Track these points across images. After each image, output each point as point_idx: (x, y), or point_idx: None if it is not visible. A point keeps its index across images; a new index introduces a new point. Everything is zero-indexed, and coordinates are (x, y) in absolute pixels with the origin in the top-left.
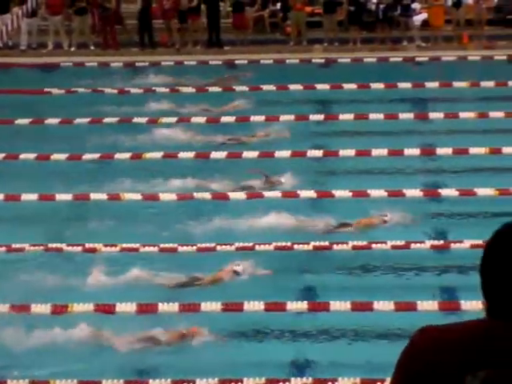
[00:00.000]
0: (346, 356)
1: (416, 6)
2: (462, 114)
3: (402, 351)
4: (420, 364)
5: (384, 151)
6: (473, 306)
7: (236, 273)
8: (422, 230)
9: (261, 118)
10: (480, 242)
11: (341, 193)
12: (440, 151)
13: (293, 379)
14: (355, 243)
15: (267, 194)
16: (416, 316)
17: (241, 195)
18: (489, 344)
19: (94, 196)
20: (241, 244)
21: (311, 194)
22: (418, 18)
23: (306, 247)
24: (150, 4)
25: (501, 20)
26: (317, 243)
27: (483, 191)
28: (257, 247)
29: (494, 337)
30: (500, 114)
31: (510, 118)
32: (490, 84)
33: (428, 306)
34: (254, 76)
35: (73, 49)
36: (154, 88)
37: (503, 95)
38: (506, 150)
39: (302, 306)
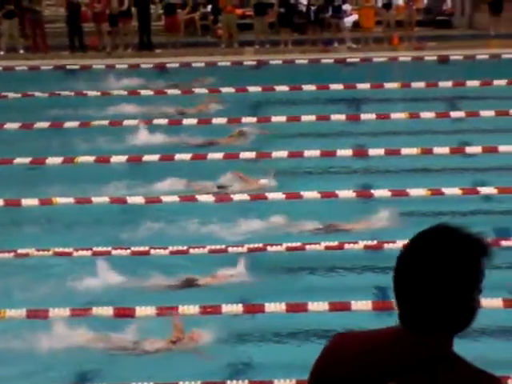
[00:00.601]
0: (281, 357)
1: (347, 7)
2: (394, 115)
3: (318, 355)
4: (333, 368)
5: (316, 152)
6: None
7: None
8: (356, 231)
9: (193, 122)
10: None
11: (274, 195)
12: (372, 152)
13: (228, 381)
14: (289, 245)
15: (200, 197)
16: (351, 316)
17: (174, 198)
18: (400, 352)
19: (25, 201)
20: (175, 248)
21: (244, 196)
22: (348, 20)
23: (240, 249)
24: (80, 7)
25: (430, 21)
26: (251, 245)
27: (415, 191)
28: (191, 251)
29: (405, 345)
30: (431, 115)
31: (440, 119)
32: (421, 85)
33: (362, 305)
34: (184, 79)
35: (2, 53)
36: (85, 91)
37: (434, 96)
38: (437, 150)
39: (238, 308)
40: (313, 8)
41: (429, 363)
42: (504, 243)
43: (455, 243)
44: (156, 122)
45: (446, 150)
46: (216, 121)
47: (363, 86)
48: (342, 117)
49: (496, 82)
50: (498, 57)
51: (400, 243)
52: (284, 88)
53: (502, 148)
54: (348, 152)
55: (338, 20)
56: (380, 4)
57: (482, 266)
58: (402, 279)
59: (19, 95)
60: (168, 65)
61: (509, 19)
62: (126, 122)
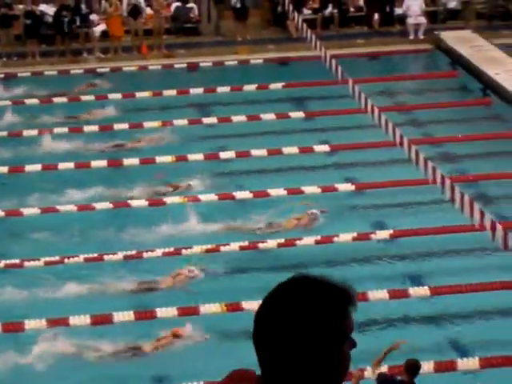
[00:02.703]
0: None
1: (94, 17)
2: (146, 124)
3: None
4: None
5: (70, 165)
6: None
7: (191, 277)
8: (116, 239)
9: None
10: (171, 249)
11: (28, 211)
12: (126, 162)
13: None
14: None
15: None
16: None
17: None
18: None
19: None
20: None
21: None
22: (97, 29)
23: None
24: None
25: (178, 28)
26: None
27: (171, 199)
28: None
29: None
30: (184, 122)
31: (193, 126)
32: (172, 92)
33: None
34: None
35: None
36: None
37: (185, 103)
38: (192, 157)
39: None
40: (61, 19)
41: None
42: (261, 245)
43: (316, 293)
44: None
45: (200, 156)
46: None
47: (115, 96)
48: (95, 128)
49: (246, 88)
50: (247, 62)
51: (158, 251)
52: (33, 101)
53: (254, 152)
54: (102, 163)
55: (86, 30)
56: (126, 13)
57: (349, 316)
58: (262, 339)
59: None
60: None
61: (254, 25)
62: None
